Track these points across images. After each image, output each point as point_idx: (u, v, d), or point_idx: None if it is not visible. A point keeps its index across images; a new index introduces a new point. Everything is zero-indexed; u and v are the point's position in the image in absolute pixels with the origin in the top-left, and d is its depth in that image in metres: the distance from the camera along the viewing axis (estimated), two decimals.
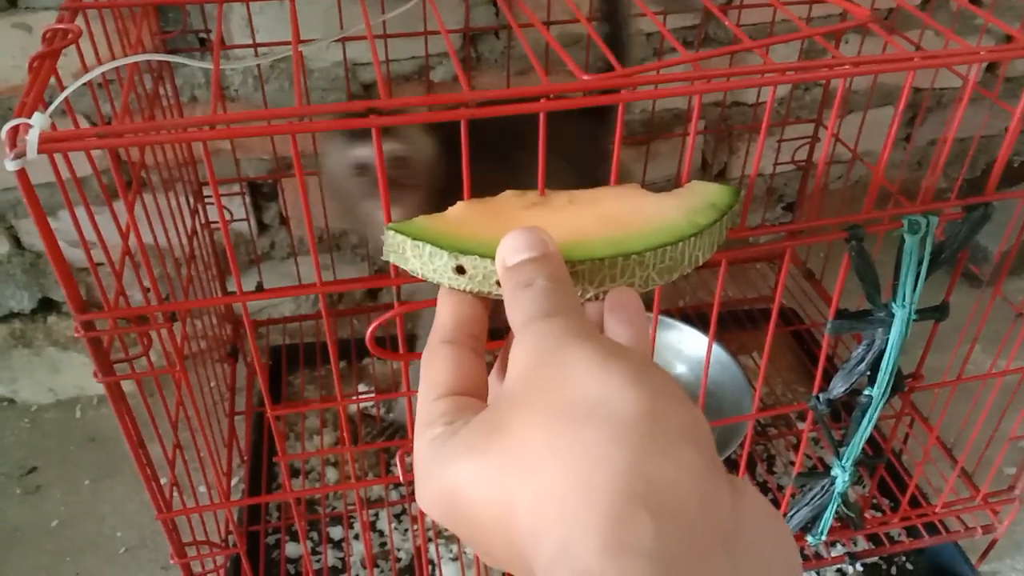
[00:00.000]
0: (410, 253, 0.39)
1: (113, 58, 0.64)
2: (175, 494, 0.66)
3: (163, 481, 0.63)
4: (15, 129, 0.42)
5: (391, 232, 0.40)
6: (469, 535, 0.29)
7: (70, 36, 0.51)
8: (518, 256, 0.34)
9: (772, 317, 0.63)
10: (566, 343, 0.29)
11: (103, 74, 0.51)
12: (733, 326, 1.09)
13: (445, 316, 0.36)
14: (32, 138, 0.42)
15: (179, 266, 0.80)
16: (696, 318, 1.04)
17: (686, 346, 0.99)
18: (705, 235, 0.42)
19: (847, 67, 0.50)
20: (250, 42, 0.89)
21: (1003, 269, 0.68)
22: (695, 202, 0.44)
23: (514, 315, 0.32)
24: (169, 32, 0.89)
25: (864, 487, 0.95)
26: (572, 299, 0.32)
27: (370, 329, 0.51)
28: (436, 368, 0.33)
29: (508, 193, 0.43)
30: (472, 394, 0.32)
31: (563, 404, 0.27)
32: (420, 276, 0.40)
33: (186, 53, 0.93)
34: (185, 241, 0.82)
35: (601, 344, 0.29)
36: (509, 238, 0.34)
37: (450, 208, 0.41)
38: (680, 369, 0.99)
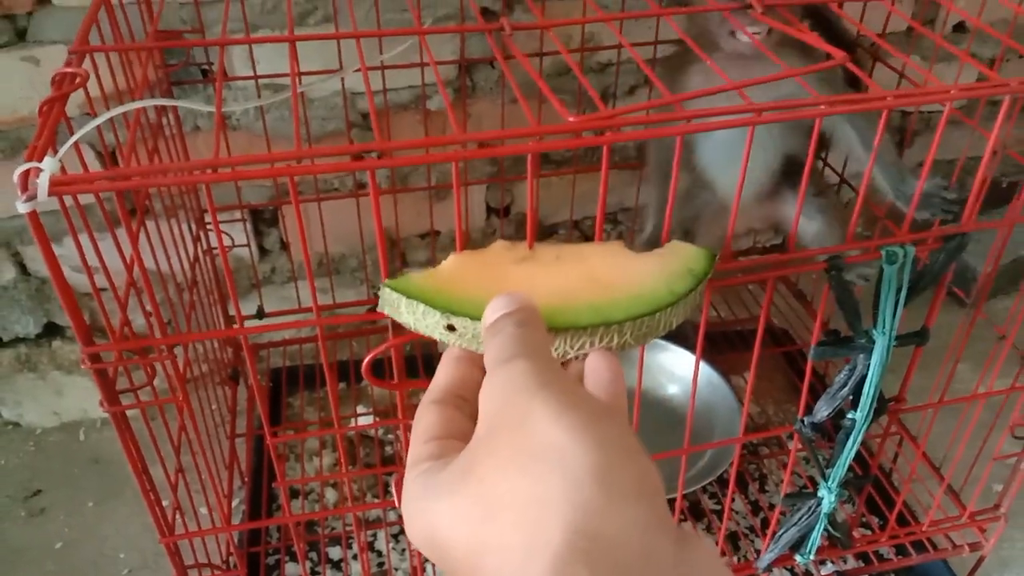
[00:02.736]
0: (404, 309, 0.42)
1: (117, 90, 0.66)
2: (177, 516, 0.68)
3: (165, 503, 0.65)
4: (26, 173, 0.45)
5: (386, 289, 0.43)
6: (447, 569, 0.31)
7: (78, 80, 0.53)
8: (496, 315, 0.37)
9: (756, 343, 0.65)
10: (527, 390, 0.31)
11: (106, 102, 0.53)
12: (725, 346, 1.11)
13: (440, 378, 0.39)
14: (43, 182, 0.44)
15: (181, 291, 0.82)
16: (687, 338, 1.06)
17: (678, 367, 1.01)
18: (680, 305, 0.44)
19: (822, 107, 0.52)
20: (251, 73, 0.92)
21: (983, 292, 0.70)
22: (675, 266, 0.46)
23: (486, 360, 0.35)
24: (173, 65, 0.91)
25: (854, 505, 0.96)
26: (537, 342, 0.34)
27: (366, 360, 0.53)
28: (425, 420, 0.36)
29: (499, 244, 0.46)
30: (458, 440, 0.35)
31: (522, 453, 0.28)
32: (414, 329, 0.42)
33: (189, 85, 0.96)
34: (188, 267, 0.84)
35: (560, 392, 0.30)
36: (492, 302, 0.38)
37: (444, 262, 0.44)
38: (672, 390, 1.01)
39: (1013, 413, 0.78)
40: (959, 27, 1.24)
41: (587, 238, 1.27)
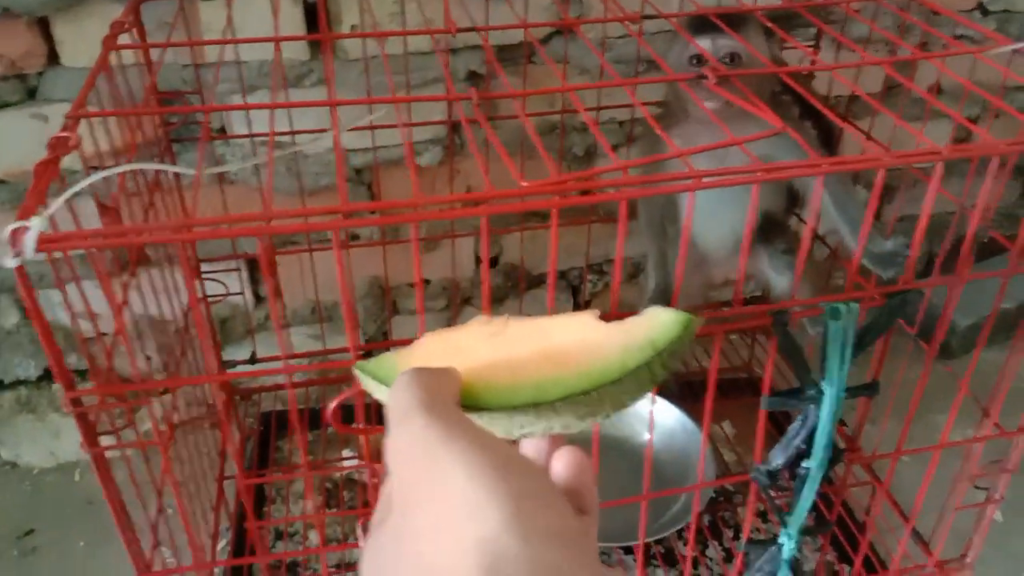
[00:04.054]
0: (374, 389, 0.45)
1: (113, 147, 0.71)
2: (167, 555, 0.71)
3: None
4: (16, 231, 0.49)
5: (359, 372, 0.46)
6: None
7: (72, 143, 0.58)
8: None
9: (709, 393, 0.68)
10: (432, 450, 0.32)
11: (100, 159, 0.57)
12: (704, 394, 1.13)
13: None
14: (30, 239, 0.48)
15: (178, 334, 0.86)
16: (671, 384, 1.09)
17: (655, 414, 1.03)
18: (628, 380, 0.42)
19: (759, 174, 0.56)
20: (247, 131, 0.97)
21: (931, 350, 0.72)
22: (637, 338, 0.44)
23: (387, 418, 0.36)
24: (173, 123, 0.96)
25: (826, 554, 0.98)
26: (431, 393, 0.35)
27: (332, 406, 0.56)
28: (385, 489, 0.37)
29: (476, 320, 0.47)
30: None
31: (442, 517, 0.30)
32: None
33: (189, 142, 1.01)
34: (180, 315, 0.88)
35: (465, 446, 0.32)
36: None
37: (416, 341, 0.46)
38: (648, 437, 1.03)
39: (971, 463, 0.80)
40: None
41: (573, 288, 1.30)
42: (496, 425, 0.42)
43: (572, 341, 0.44)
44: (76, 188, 0.49)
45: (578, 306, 1.32)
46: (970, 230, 0.64)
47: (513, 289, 1.25)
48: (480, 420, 0.42)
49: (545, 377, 0.42)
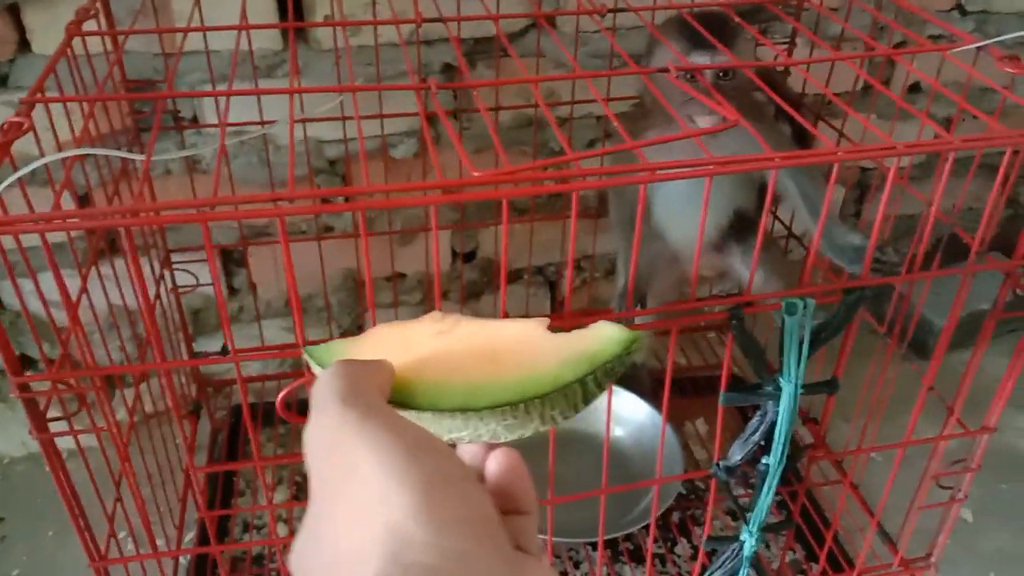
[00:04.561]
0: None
1: (74, 135, 0.71)
2: (112, 544, 0.71)
3: (123, 535, 0.69)
4: None
5: (308, 357, 0.45)
6: None
7: (25, 127, 0.58)
8: None
9: (666, 388, 0.68)
10: (347, 441, 0.31)
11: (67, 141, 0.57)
12: (676, 392, 1.14)
13: None
14: None
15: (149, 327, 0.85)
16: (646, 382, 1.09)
17: (623, 409, 1.03)
18: (558, 395, 0.41)
19: (711, 167, 0.56)
20: (218, 120, 0.96)
21: (889, 350, 0.72)
22: (575, 352, 0.43)
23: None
24: (143, 112, 0.96)
25: (794, 552, 0.98)
26: (349, 385, 0.34)
27: (280, 396, 0.56)
28: None
29: (431, 315, 0.46)
30: None
31: (354, 507, 0.30)
32: None
33: (159, 131, 1.00)
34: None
35: (378, 435, 0.31)
36: None
37: (368, 331, 0.46)
38: (617, 432, 1.04)
39: (935, 462, 0.80)
40: (914, 87, 1.28)
41: (551, 284, 1.30)
42: (426, 426, 0.40)
43: (512, 349, 0.43)
44: (22, 171, 0.49)
45: (555, 302, 1.32)
46: (927, 228, 0.64)
47: (489, 284, 1.25)
48: (409, 418, 0.41)
49: (476, 384, 0.41)
